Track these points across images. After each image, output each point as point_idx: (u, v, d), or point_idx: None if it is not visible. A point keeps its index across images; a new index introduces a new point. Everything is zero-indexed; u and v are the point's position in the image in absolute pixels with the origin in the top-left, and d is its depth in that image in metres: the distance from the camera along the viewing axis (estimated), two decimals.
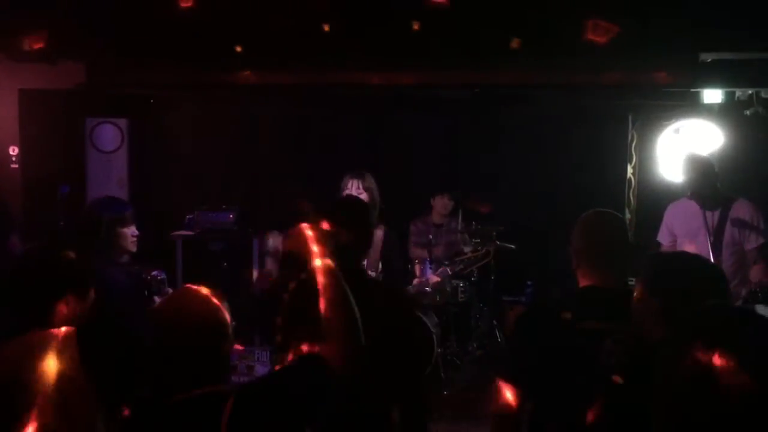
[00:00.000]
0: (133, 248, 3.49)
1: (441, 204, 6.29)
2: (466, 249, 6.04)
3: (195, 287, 2.01)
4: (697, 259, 2.31)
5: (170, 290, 3.94)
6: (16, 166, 6.80)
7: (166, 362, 1.90)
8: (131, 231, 3.47)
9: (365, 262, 4.23)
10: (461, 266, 5.69)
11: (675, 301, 1.87)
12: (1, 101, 6.72)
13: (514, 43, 5.41)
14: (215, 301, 1.97)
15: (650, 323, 1.95)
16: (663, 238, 4.69)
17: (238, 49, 5.69)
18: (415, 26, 5.36)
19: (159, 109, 7.01)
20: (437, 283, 5.76)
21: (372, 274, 4.32)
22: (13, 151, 6.80)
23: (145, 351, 2.00)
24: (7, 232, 4.79)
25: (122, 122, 6.73)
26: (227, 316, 1.98)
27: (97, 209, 3.48)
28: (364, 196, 4.22)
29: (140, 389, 2.17)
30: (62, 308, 2.19)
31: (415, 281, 4.84)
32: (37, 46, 5.60)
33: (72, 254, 2.30)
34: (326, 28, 5.40)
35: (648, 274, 2.08)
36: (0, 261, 4.58)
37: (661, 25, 5.33)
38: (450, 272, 5.59)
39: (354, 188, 4.32)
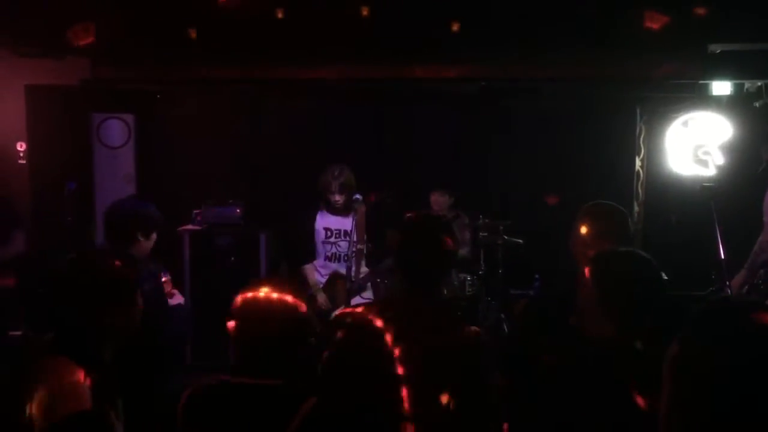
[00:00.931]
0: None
1: (434, 201, 6.27)
2: (463, 251, 5.97)
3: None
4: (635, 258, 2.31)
5: (176, 291, 3.99)
6: (24, 161, 6.81)
7: (247, 353, 1.98)
8: (155, 234, 3.50)
9: (354, 236, 4.58)
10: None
11: (612, 295, 2.07)
12: (8, 97, 6.72)
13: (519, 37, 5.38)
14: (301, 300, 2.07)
15: (591, 314, 2.12)
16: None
17: (240, 43, 5.67)
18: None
19: (166, 104, 7.01)
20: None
21: (360, 247, 4.74)
22: (21, 146, 6.81)
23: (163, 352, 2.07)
24: (10, 227, 4.81)
25: (129, 118, 6.73)
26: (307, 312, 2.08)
27: (133, 213, 3.45)
28: (344, 197, 4.76)
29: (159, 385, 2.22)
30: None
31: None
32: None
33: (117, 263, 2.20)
34: (332, 20, 5.38)
35: (592, 272, 2.19)
36: (5, 256, 4.61)
37: (670, 16, 5.29)
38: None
39: (337, 189, 4.76)
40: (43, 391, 1.86)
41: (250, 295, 2.04)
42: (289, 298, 2.03)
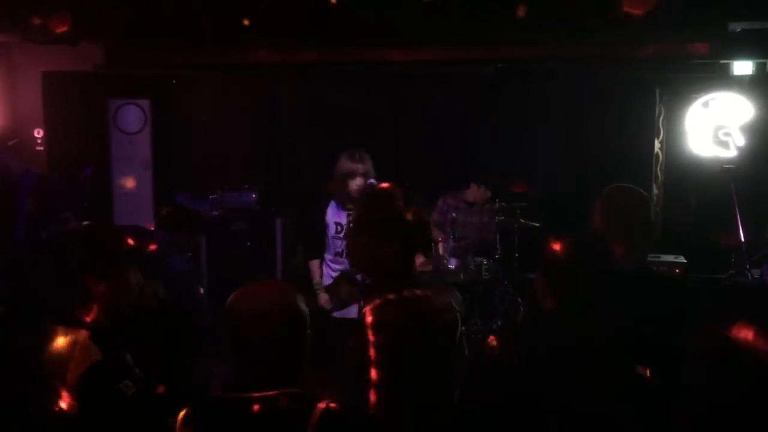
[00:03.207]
0: None
1: (472, 194, 6.16)
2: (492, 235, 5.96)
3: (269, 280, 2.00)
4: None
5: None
6: (42, 148, 6.87)
7: (244, 357, 1.83)
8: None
9: None
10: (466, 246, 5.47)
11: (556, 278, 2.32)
12: (25, 84, 6.77)
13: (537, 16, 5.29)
14: (294, 293, 1.90)
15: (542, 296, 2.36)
16: None
17: (256, 26, 5.64)
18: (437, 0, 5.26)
19: (181, 89, 7.02)
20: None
21: None
22: (38, 133, 6.86)
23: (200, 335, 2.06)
24: (57, 206, 4.85)
25: (145, 103, 6.75)
26: (306, 309, 1.91)
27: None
28: (363, 182, 4.29)
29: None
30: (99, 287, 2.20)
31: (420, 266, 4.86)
32: (60, 29, 5.57)
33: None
34: (346, 3, 5.33)
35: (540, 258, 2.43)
36: (56, 237, 4.68)
37: None
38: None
39: (361, 173, 4.31)
40: (55, 355, 2.04)
41: (242, 290, 1.92)
42: (284, 289, 1.93)
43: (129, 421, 2.03)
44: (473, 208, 6.16)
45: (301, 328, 1.85)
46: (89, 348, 2.07)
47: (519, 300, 6.36)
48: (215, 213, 6.46)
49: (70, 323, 2.13)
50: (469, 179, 6.17)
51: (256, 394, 1.77)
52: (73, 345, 2.08)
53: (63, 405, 1.99)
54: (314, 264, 4.53)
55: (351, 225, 2.34)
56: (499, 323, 6.13)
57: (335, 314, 4.35)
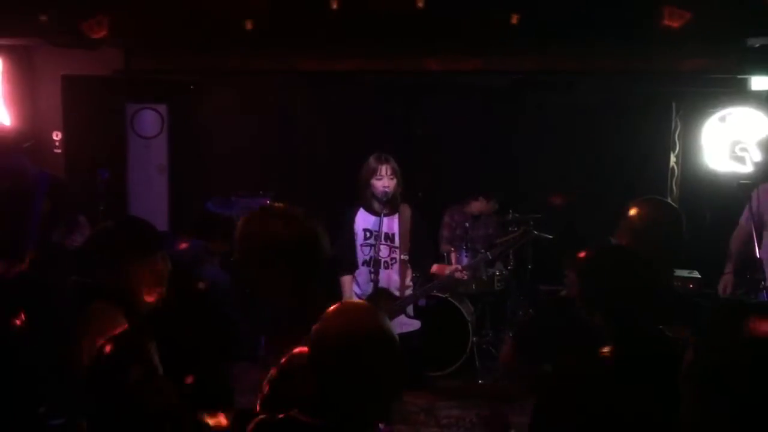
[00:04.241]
0: None
1: (479, 206, 6.16)
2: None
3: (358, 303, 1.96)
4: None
5: None
6: (60, 150, 6.92)
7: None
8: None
9: (397, 242, 4.28)
10: (501, 248, 5.38)
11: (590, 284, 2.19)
12: (45, 87, 6.83)
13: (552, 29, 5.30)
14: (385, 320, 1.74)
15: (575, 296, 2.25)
16: (745, 219, 4.42)
17: (275, 33, 5.68)
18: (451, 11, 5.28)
19: (199, 95, 7.07)
20: (472, 269, 5.45)
21: (404, 257, 4.34)
22: (57, 136, 6.92)
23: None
24: (76, 208, 4.89)
25: (162, 108, 6.80)
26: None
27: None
28: (394, 182, 4.22)
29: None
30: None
31: (449, 269, 4.74)
32: (98, 35, 5.59)
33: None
34: (361, 12, 5.36)
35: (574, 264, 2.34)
36: (71, 240, 4.72)
37: (706, 8, 5.17)
38: (490, 257, 5.08)
39: (386, 173, 4.23)
40: (92, 333, 2.10)
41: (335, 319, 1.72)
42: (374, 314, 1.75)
43: (131, 406, 2.03)
44: (478, 222, 6.16)
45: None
46: (116, 318, 2.15)
47: (531, 311, 6.34)
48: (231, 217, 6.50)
49: (107, 297, 2.23)
50: (480, 190, 6.17)
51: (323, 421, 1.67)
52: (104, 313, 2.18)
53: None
54: (346, 280, 4.29)
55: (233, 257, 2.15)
56: (511, 335, 6.11)
57: None
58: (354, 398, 1.64)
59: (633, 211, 2.66)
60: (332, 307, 1.73)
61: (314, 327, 1.68)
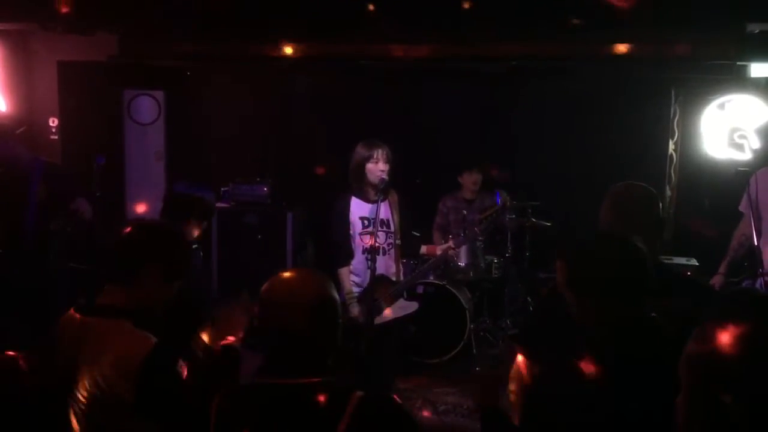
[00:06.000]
0: None
1: (470, 180, 6.18)
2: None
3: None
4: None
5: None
6: (56, 137, 6.90)
7: (276, 345, 1.84)
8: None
9: (392, 227, 4.28)
10: (486, 223, 5.27)
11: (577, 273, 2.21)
12: (41, 73, 6.80)
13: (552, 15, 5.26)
14: (326, 281, 1.91)
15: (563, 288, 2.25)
16: (744, 207, 4.33)
17: (272, 19, 5.64)
18: None
19: (195, 81, 7.03)
20: (461, 245, 5.21)
21: (398, 242, 4.35)
22: (53, 122, 6.90)
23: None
24: (74, 194, 4.87)
25: (159, 94, 6.76)
26: (337, 297, 1.92)
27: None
28: (388, 167, 4.17)
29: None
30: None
31: (440, 247, 4.73)
32: (65, 10, 5.53)
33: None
34: None
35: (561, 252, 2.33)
36: (68, 223, 4.71)
37: None
38: (478, 232, 4.86)
39: (381, 157, 4.16)
40: (113, 352, 2.09)
41: (274, 279, 1.90)
42: (316, 277, 1.91)
43: (183, 402, 2.09)
44: (472, 206, 6.16)
45: (334, 316, 1.87)
46: (136, 334, 2.13)
47: (528, 299, 6.36)
48: (226, 205, 6.48)
49: (103, 314, 2.19)
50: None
51: (289, 381, 1.78)
52: (109, 335, 2.14)
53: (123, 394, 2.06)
54: (344, 272, 4.22)
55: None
56: (508, 322, 6.12)
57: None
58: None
59: (608, 193, 2.70)
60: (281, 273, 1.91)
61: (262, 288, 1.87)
